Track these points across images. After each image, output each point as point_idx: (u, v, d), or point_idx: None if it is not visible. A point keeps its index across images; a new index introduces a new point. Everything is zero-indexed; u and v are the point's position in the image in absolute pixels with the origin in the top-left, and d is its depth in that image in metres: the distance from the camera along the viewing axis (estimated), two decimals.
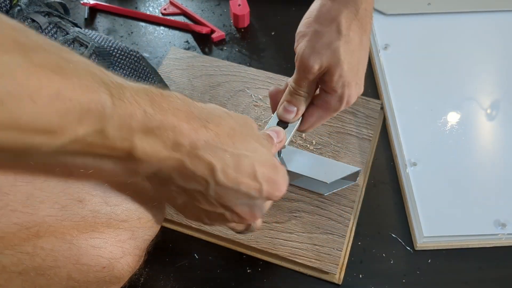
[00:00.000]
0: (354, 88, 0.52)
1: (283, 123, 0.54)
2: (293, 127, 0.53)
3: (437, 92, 0.71)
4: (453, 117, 0.69)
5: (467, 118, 0.69)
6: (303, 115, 0.54)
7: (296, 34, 0.53)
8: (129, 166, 0.34)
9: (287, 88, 0.53)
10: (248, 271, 0.59)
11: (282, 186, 0.42)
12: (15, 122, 0.26)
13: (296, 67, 0.52)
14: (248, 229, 0.47)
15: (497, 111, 0.70)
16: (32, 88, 0.26)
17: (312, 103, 0.54)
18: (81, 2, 0.83)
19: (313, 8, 0.52)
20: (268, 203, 0.45)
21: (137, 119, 0.32)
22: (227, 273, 0.59)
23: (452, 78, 0.73)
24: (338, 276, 0.58)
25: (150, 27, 0.82)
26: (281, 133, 0.51)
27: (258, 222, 0.47)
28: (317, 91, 0.54)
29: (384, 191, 0.65)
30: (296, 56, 0.52)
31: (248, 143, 0.40)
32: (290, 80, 0.53)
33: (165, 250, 0.59)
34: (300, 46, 0.51)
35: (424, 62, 0.75)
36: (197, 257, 0.60)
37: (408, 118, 0.68)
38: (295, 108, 0.53)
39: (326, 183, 0.59)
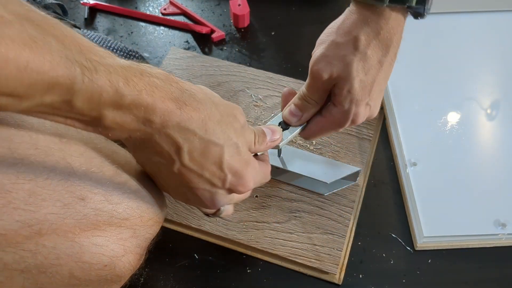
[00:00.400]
0: (363, 107, 0.51)
1: (285, 124, 0.54)
2: (295, 130, 0.53)
3: (437, 92, 0.71)
4: (453, 117, 0.69)
5: (467, 118, 0.69)
6: (307, 122, 0.54)
7: (316, 41, 0.52)
8: (98, 130, 0.36)
9: (298, 92, 0.53)
10: (248, 271, 0.59)
11: (248, 182, 0.43)
12: None
13: (309, 73, 0.52)
14: (216, 214, 0.47)
15: (497, 111, 0.70)
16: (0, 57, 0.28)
17: (319, 113, 0.53)
18: (81, 2, 0.83)
19: (339, 19, 0.51)
20: (234, 197, 0.46)
21: (107, 95, 0.34)
22: (227, 273, 0.59)
23: (452, 78, 0.73)
24: (338, 276, 0.58)
25: (150, 27, 0.82)
26: (277, 133, 0.51)
27: (228, 210, 0.48)
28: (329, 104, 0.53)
29: (384, 191, 0.65)
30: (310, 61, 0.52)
31: (223, 133, 0.41)
32: (303, 86, 0.53)
33: (165, 250, 0.59)
34: (315, 52, 0.51)
35: (424, 62, 0.75)
36: (197, 257, 0.59)
37: (408, 118, 0.68)
38: (301, 113, 0.53)
39: (326, 183, 0.59)
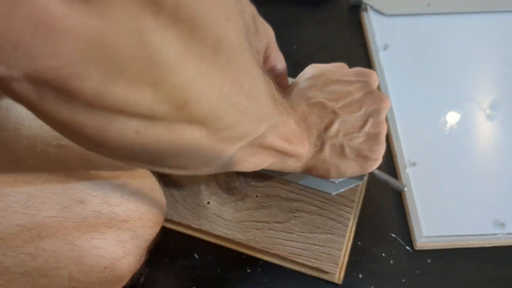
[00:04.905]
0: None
1: None
2: None
3: (437, 92, 0.71)
4: (452, 117, 0.69)
5: (467, 118, 0.69)
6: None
7: None
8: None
9: None
10: (248, 271, 0.59)
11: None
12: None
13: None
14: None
15: (496, 111, 0.70)
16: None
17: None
18: None
19: None
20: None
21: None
22: (227, 273, 0.59)
23: (452, 78, 0.73)
24: (338, 276, 0.58)
25: None
26: None
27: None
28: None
29: (384, 191, 0.65)
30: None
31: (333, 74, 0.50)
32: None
33: (165, 250, 0.59)
34: None
35: (424, 62, 0.75)
36: (197, 257, 0.60)
37: (408, 118, 0.68)
38: None
39: (334, 182, 0.59)
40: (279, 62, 0.56)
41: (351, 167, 0.50)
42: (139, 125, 0.24)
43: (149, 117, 0.23)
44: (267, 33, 0.52)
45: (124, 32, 0.19)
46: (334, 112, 0.47)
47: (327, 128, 0.47)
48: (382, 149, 0.49)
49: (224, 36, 0.24)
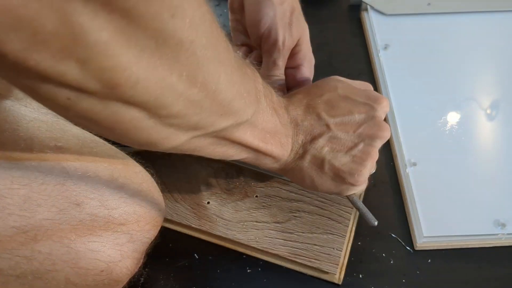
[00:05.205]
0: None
1: None
2: None
3: (437, 92, 0.71)
4: (453, 117, 0.69)
5: (467, 118, 0.69)
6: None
7: (253, 18, 0.54)
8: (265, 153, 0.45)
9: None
10: (248, 271, 0.59)
11: (381, 97, 0.50)
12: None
13: (267, 53, 0.53)
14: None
15: (497, 111, 0.69)
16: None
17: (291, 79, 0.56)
18: None
19: None
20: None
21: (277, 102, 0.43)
22: (227, 273, 0.59)
23: (452, 78, 0.73)
24: (338, 276, 0.58)
25: None
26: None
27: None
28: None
29: (384, 191, 0.65)
30: (263, 39, 0.53)
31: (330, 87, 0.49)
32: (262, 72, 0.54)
33: (165, 250, 0.59)
34: (272, 29, 0.53)
35: (424, 62, 0.75)
36: (197, 257, 0.60)
37: (408, 118, 0.68)
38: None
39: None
40: (307, 62, 0.54)
41: (326, 184, 0.49)
42: (70, 93, 0.25)
43: (78, 89, 0.25)
44: (301, 30, 0.52)
45: (47, 9, 0.21)
46: (327, 125, 0.47)
47: (314, 139, 0.47)
48: (362, 176, 0.48)
49: (167, 31, 0.25)
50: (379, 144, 0.48)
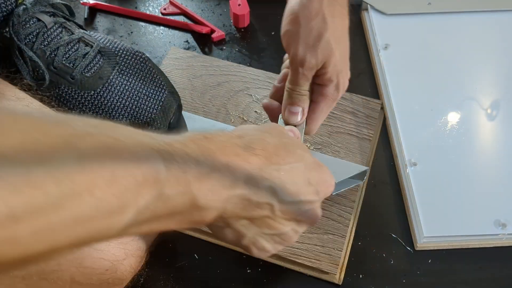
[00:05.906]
0: (346, 74, 0.52)
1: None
2: (301, 129, 0.53)
3: (437, 92, 0.71)
4: (453, 117, 0.69)
5: (467, 118, 0.69)
6: (306, 117, 0.54)
7: (283, 34, 0.51)
8: (195, 216, 0.34)
9: (286, 92, 0.53)
10: (248, 271, 0.59)
11: (331, 181, 0.44)
12: (79, 219, 0.26)
13: (291, 68, 0.52)
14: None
15: (497, 111, 0.69)
16: (88, 182, 0.25)
17: (311, 101, 0.53)
18: (81, 1, 0.83)
19: (293, 4, 0.50)
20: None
21: (191, 172, 0.32)
22: (227, 273, 0.59)
23: (452, 78, 0.73)
24: (338, 276, 0.58)
25: (150, 27, 0.82)
26: (296, 132, 0.51)
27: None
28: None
29: (384, 191, 0.65)
30: (289, 56, 0.52)
31: (293, 153, 0.40)
32: (287, 83, 0.53)
33: (165, 250, 0.59)
34: (292, 46, 0.50)
35: (424, 62, 0.75)
36: (197, 257, 0.60)
37: (408, 118, 0.68)
38: (300, 108, 0.52)
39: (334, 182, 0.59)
40: (332, 86, 0.52)
41: (228, 236, 0.41)
42: None
43: None
44: (327, 53, 0.50)
45: None
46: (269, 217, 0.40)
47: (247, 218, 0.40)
48: (265, 251, 0.42)
49: None
50: (303, 229, 0.44)
